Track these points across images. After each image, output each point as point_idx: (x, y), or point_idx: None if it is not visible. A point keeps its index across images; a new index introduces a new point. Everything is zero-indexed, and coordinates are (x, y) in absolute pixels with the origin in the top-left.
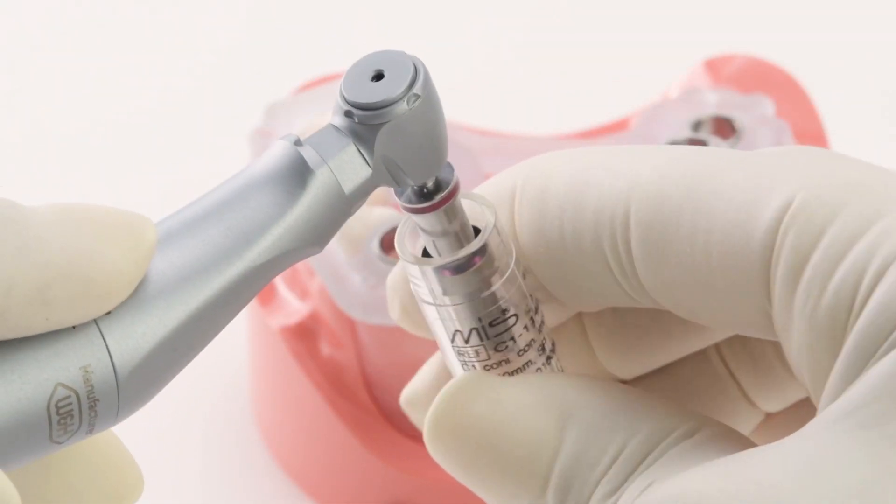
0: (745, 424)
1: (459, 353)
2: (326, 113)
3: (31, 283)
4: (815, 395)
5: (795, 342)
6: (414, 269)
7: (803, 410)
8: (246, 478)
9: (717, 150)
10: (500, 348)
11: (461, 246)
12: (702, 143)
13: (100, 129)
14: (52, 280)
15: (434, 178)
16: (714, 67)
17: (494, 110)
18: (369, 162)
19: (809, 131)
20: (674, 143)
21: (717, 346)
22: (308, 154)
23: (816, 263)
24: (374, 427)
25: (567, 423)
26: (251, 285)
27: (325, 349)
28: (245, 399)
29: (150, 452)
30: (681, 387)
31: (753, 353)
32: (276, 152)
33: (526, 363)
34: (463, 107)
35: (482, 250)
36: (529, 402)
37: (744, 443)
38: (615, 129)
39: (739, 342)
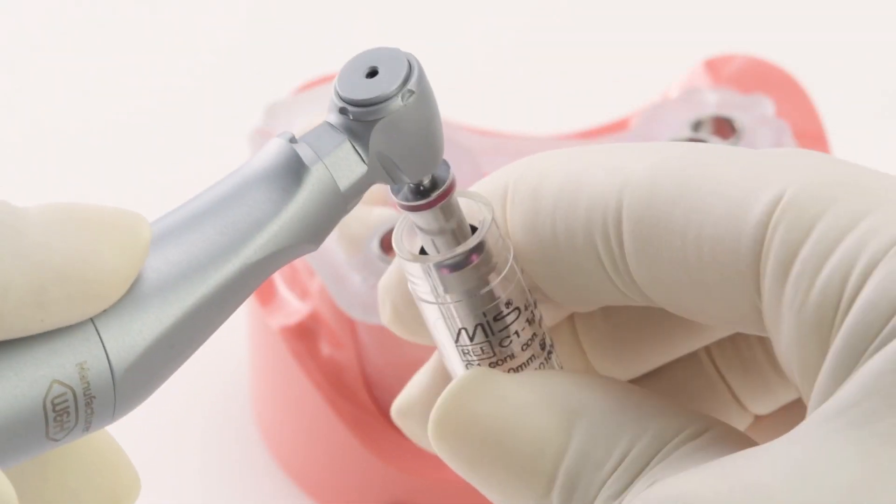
0: (736, 427)
1: (464, 353)
2: (326, 113)
3: (27, 286)
4: (803, 390)
5: (784, 337)
6: (415, 268)
7: (792, 413)
8: (246, 478)
9: (711, 147)
10: (504, 343)
11: (458, 244)
12: (701, 143)
13: (100, 129)
14: (48, 282)
15: (430, 176)
16: (714, 67)
17: (494, 110)
18: (364, 159)
19: (809, 131)
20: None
21: (707, 349)
22: (303, 151)
23: (805, 258)
24: (374, 427)
25: (574, 422)
26: (247, 282)
27: (325, 349)
28: (245, 399)
29: (149, 452)
30: (672, 390)
31: (744, 355)
32: (272, 150)
33: (530, 358)
34: (463, 107)
35: (481, 246)
36: (535, 400)
37: (749, 445)
38: (615, 129)
39: (730, 345)
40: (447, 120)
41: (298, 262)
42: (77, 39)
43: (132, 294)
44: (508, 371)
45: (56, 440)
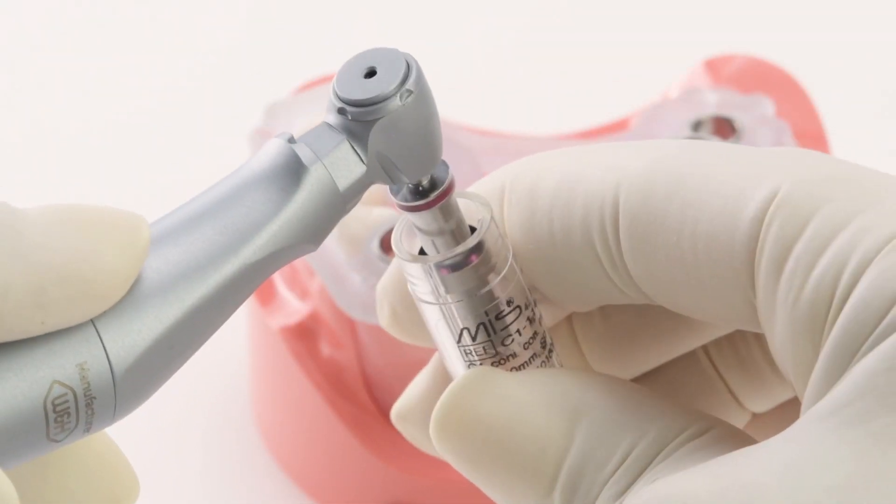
0: (733, 425)
1: (466, 353)
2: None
3: (27, 288)
4: (797, 387)
5: (778, 334)
6: (415, 269)
7: (790, 410)
8: (246, 478)
9: (707, 144)
10: (506, 342)
11: (458, 244)
12: (698, 139)
13: (100, 129)
14: (48, 284)
15: (429, 176)
16: (714, 67)
17: (494, 110)
18: (363, 159)
19: (809, 131)
20: None
21: (705, 348)
22: (302, 151)
23: (798, 255)
24: (374, 427)
25: (576, 421)
26: (247, 282)
27: (325, 349)
28: (245, 399)
29: (150, 452)
30: (670, 389)
31: (741, 354)
32: (271, 150)
33: (531, 356)
34: (463, 107)
35: (481, 245)
36: (537, 399)
37: (751, 444)
38: (615, 129)
39: (728, 344)
40: (447, 120)
41: (298, 262)
42: (77, 39)
43: (132, 294)
44: (511, 370)
45: (57, 441)
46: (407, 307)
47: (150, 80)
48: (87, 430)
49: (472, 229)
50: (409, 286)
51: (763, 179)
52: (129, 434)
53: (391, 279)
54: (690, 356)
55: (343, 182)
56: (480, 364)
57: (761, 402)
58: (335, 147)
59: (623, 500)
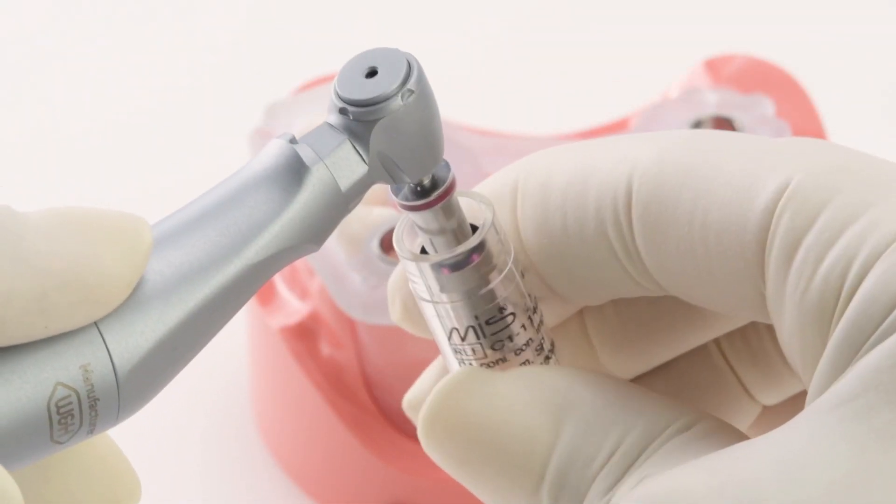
0: (745, 418)
1: (456, 351)
2: (326, 113)
3: (30, 293)
4: (804, 379)
5: (786, 325)
6: (412, 266)
7: (800, 403)
8: (246, 478)
9: (718, 133)
10: (496, 347)
11: (458, 244)
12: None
13: (100, 129)
14: (50, 288)
15: (430, 176)
16: (714, 67)
17: (494, 110)
18: (365, 159)
19: (809, 131)
20: None
21: (716, 341)
22: (304, 152)
23: (808, 247)
24: (374, 427)
25: (563, 418)
26: (249, 283)
27: (325, 349)
28: (245, 399)
29: (150, 453)
30: (681, 382)
31: (753, 347)
32: (272, 151)
33: (523, 363)
34: (463, 107)
35: (480, 247)
36: (525, 398)
37: (739, 437)
38: (615, 129)
39: (739, 337)
40: (447, 120)
41: (298, 262)
42: (77, 39)
43: (135, 296)
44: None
45: (60, 443)
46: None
47: (151, 80)
48: (91, 431)
49: (474, 228)
50: (409, 284)
51: (774, 170)
52: (129, 433)
53: (402, 275)
54: (702, 349)
55: (345, 182)
56: (471, 364)
57: (772, 395)
58: (337, 147)
59: (614, 495)
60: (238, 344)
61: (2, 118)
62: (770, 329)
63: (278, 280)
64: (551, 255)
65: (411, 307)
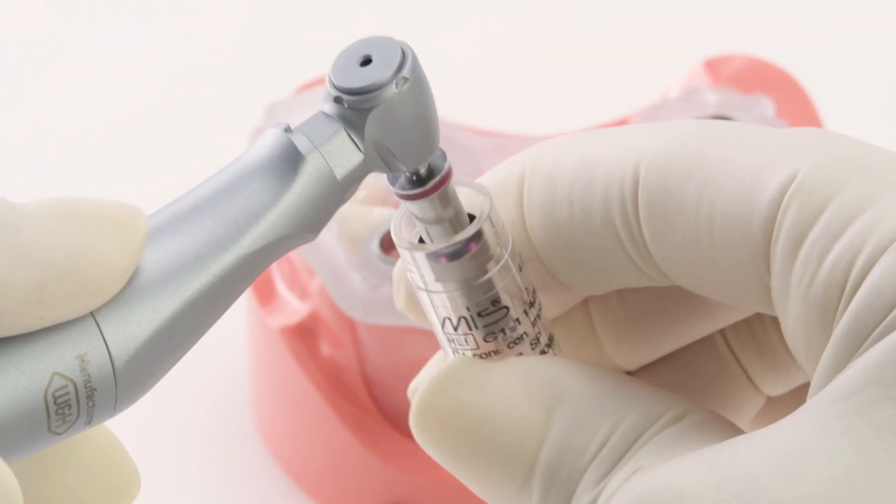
0: (749, 409)
1: (450, 340)
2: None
3: (26, 284)
4: (808, 371)
5: (791, 318)
6: (406, 255)
7: (805, 394)
8: (246, 478)
9: (726, 124)
10: (489, 339)
11: (455, 233)
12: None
13: (100, 129)
14: (47, 279)
15: (427, 165)
16: (714, 67)
17: (494, 110)
18: (360, 147)
19: None
20: None
21: (722, 332)
22: (299, 141)
23: (814, 240)
24: (374, 427)
25: (554, 409)
26: (246, 273)
27: (325, 349)
28: (245, 399)
29: (149, 452)
30: (687, 372)
31: (758, 337)
32: (268, 140)
33: (517, 356)
34: (463, 107)
35: (475, 237)
36: (516, 388)
37: (731, 428)
38: None
39: (745, 327)
40: (447, 120)
41: (298, 262)
42: (77, 39)
43: (131, 286)
44: None
45: (58, 434)
46: None
47: (150, 80)
48: (89, 422)
49: (472, 218)
50: (407, 273)
51: (781, 161)
52: (129, 432)
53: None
54: (707, 340)
55: (340, 171)
56: (465, 353)
57: (777, 386)
58: (332, 136)
59: (605, 485)
60: (238, 344)
61: (2, 118)
62: (775, 320)
63: (278, 280)
64: (557, 244)
65: (415, 295)
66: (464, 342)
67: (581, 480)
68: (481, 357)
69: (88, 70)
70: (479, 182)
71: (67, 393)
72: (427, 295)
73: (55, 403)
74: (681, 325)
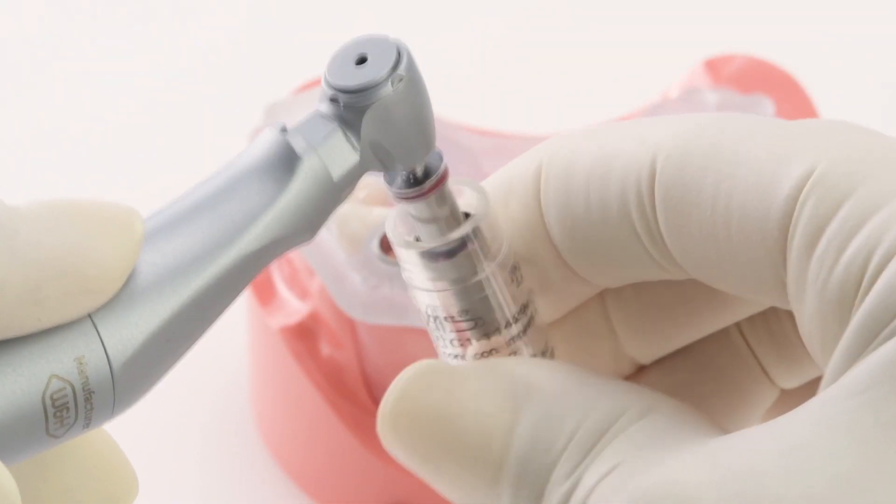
0: (763, 401)
1: (441, 340)
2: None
3: (23, 286)
4: (823, 366)
5: (807, 313)
6: (401, 253)
7: (818, 388)
8: (246, 478)
9: (743, 116)
10: (481, 340)
11: (450, 232)
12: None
13: (99, 129)
14: (44, 281)
15: (423, 165)
16: (714, 67)
17: (494, 110)
18: (357, 147)
19: None
20: None
21: (738, 325)
22: (295, 141)
23: (832, 235)
24: (374, 427)
25: (520, 408)
26: (243, 274)
27: (325, 349)
28: (245, 399)
29: (149, 452)
30: (702, 365)
31: (774, 330)
32: (263, 141)
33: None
34: (463, 107)
35: (470, 237)
36: (482, 389)
37: (704, 421)
38: None
39: (761, 320)
40: (447, 120)
41: (298, 262)
42: (77, 39)
43: (128, 288)
44: None
45: (56, 436)
46: None
47: (150, 80)
48: (87, 425)
49: (467, 216)
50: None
51: (799, 155)
52: (129, 433)
53: None
54: (723, 332)
55: (337, 171)
56: (446, 352)
57: (792, 379)
58: (328, 136)
59: (579, 479)
60: (238, 344)
61: (2, 118)
62: (790, 313)
63: (278, 280)
64: (574, 237)
65: None
66: (457, 343)
67: (551, 476)
68: (474, 358)
69: (88, 70)
70: (486, 181)
71: (65, 395)
72: (420, 293)
73: (53, 406)
74: (696, 318)
